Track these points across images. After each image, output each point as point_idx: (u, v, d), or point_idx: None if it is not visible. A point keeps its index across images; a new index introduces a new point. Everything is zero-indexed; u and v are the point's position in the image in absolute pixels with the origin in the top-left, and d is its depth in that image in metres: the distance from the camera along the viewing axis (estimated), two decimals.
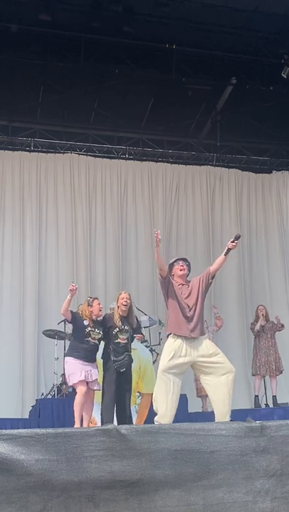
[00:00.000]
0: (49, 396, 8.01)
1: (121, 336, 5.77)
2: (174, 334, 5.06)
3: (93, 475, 3.07)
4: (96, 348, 5.91)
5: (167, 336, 5.21)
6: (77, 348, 5.89)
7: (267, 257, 11.33)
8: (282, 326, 8.63)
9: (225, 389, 5.01)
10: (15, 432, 3.12)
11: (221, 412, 5.00)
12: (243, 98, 9.68)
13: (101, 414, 5.80)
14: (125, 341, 5.80)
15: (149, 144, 10.97)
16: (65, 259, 10.27)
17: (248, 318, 9.89)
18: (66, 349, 6.36)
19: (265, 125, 10.59)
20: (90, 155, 10.82)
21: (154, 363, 7.49)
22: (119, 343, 5.77)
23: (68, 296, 5.88)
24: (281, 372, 8.42)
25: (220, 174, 11.51)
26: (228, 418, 4.97)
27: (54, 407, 7.16)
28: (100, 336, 5.91)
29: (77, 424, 5.70)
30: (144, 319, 8.30)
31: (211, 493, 3.20)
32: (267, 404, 8.55)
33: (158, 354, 8.53)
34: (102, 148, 10.84)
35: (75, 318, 6.00)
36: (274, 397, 8.35)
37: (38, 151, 10.53)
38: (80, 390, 5.77)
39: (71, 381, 5.85)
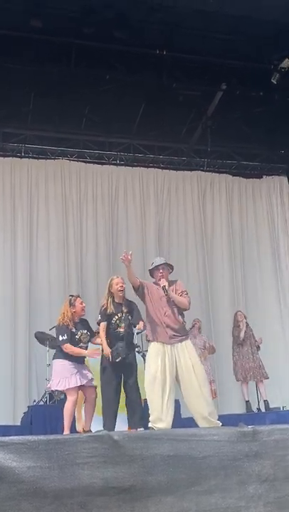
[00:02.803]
0: (41, 403, 7.96)
1: (121, 325, 5.54)
2: (154, 340, 5.10)
3: (85, 482, 3.05)
4: (86, 347, 5.84)
5: (147, 340, 5.23)
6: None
7: (258, 261, 11.36)
8: (258, 347, 8.61)
9: (197, 388, 4.99)
10: (6, 439, 3.11)
11: (196, 409, 4.96)
12: (233, 104, 9.72)
13: (103, 415, 5.61)
14: (124, 330, 5.56)
15: (140, 149, 10.99)
16: (57, 265, 10.24)
17: None
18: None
19: (256, 130, 10.64)
20: (81, 161, 10.82)
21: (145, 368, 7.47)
22: (118, 332, 5.53)
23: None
24: (265, 377, 8.43)
25: (211, 179, 11.55)
26: (207, 414, 4.94)
27: (46, 414, 7.12)
28: (88, 337, 5.79)
29: (66, 431, 5.63)
30: None
31: (204, 499, 3.19)
32: (259, 409, 8.55)
33: None
34: (93, 154, 10.84)
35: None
36: (265, 401, 8.37)
37: (29, 157, 10.50)
38: (72, 397, 5.62)
39: (62, 385, 5.63)
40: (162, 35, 8.29)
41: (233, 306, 10.58)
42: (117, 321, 5.54)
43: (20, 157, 10.46)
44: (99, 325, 5.74)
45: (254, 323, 9.39)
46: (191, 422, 6.77)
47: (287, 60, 8.64)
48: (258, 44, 8.56)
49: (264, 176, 11.87)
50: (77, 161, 10.78)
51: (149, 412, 5.01)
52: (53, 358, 5.96)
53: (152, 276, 5.44)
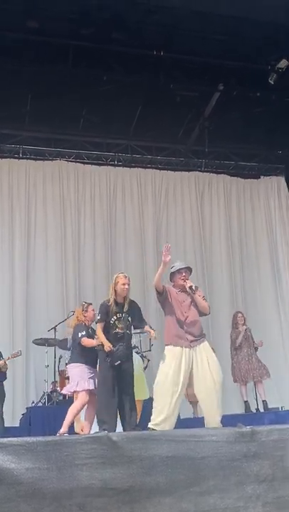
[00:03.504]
0: (40, 404, 7.97)
1: (119, 325, 5.43)
2: (173, 344, 5.10)
3: (84, 483, 3.05)
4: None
5: (166, 345, 5.23)
6: (82, 353, 5.89)
7: (256, 261, 11.37)
8: (256, 349, 8.60)
9: (213, 393, 5.03)
10: (5, 440, 3.11)
11: (212, 416, 5.01)
12: (231, 104, 9.73)
13: (97, 415, 5.53)
14: (123, 331, 5.43)
15: (137, 150, 10.99)
16: (54, 267, 10.23)
17: None
18: (59, 355, 6.33)
19: (253, 131, 10.64)
20: (78, 162, 10.82)
21: (145, 369, 7.47)
22: (117, 333, 5.40)
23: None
24: (265, 376, 8.43)
25: (209, 180, 11.56)
26: (219, 419, 4.98)
27: (45, 415, 7.13)
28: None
29: (64, 429, 5.65)
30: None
31: (203, 500, 3.19)
32: (257, 409, 8.55)
33: (149, 360, 8.52)
34: (91, 155, 10.84)
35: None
36: (264, 401, 8.37)
37: (27, 158, 10.51)
38: (83, 399, 5.76)
39: (81, 386, 5.77)
40: (160, 36, 8.29)
41: (231, 307, 10.59)
42: (116, 321, 5.44)
43: (18, 158, 10.46)
44: (97, 323, 5.72)
45: (253, 323, 9.39)
46: (189, 423, 6.79)
47: (284, 60, 8.65)
48: (255, 45, 8.56)
49: (262, 177, 11.89)
50: (75, 161, 10.79)
51: (153, 411, 5.01)
52: (69, 362, 6.16)
53: (172, 280, 5.42)
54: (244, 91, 9.35)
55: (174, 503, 3.16)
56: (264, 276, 11.30)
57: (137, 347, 8.22)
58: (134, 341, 8.25)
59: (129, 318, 5.55)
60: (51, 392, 7.79)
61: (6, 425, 7.81)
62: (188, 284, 5.22)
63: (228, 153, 11.43)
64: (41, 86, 9.17)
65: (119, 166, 11.03)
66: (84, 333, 5.91)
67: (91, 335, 5.93)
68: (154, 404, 5.04)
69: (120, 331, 5.42)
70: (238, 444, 3.38)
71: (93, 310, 6.03)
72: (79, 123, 10.30)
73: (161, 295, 5.25)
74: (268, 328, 10.48)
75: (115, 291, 5.53)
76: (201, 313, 5.37)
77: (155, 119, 10.17)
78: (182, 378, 5.00)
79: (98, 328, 5.57)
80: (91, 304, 6.21)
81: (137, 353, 7.78)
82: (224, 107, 9.71)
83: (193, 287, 5.22)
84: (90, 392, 5.79)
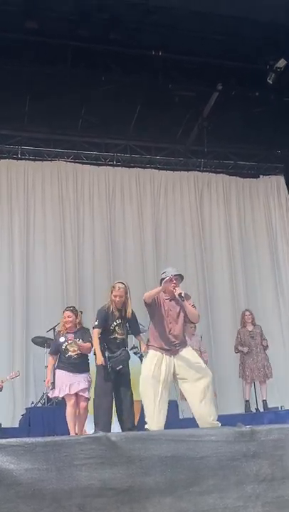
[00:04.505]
0: (39, 404, 7.96)
1: (119, 331, 5.48)
2: (154, 349, 5.12)
3: (83, 483, 3.05)
4: (80, 356, 5.95)
5: (147, 346, 5.25)
6: (62, 361, 6.09)
7: (257, 261, 11.37)
8: (265, 347, 8.59)
9: (201, 392, 5.03)
10: (4, 441, 3.10)
11: (201, 415, 5.00)
12: (229, 104, 9.72)
13: (94, 417, 5.59)
14: (122, 337, 5.51)
15: (136, 150, 10.99)
16: (54, 266, 10.23)
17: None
18: None
19: (252, 131, 10.64)
20: (77, 162, 10.82)
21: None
22: (116, 338, 5.48)
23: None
24: (269, 377, 8.43)
25: (208, 179, 11.56)
26: (211, 419, 4.98)
27: (44, 416, 7.13)
28: (76, 345, 6.01)
29: (72, 434, 5.70)
30: None
31: (202, 500, 3.19)
32: (257, 409, 8.56)
33: None
34: (89, 155, 10.84)
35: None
36: (264, 401, 8.37)
37: (26, 159, 10.50)
38: (69, 402, 5.91)
39: (63, 393, 5.96)
40: (158, 37, 8.29)
41: (232, 307, 10.60)
42: (116, 327, 5.48)
43: (17, 159, 10.46)
44: (94, 329, 5.71)
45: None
46: (189, 423, 6.78)
47: (282, 59, 8.65)
48: (254, 45, 8.56)
49: (261, 176, 11.89)
50: (74, 162, 10.79)
51: (145, 413, 5.04)
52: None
53: (161, 283, 5.42)
54: (243, 91, 9.35)
55: (174, 502, 3.16)
56: (264, 275, 11.30)
57: (136, 347, 8.22)
58: (132, 342, 8.27)
59: (128, 325, 5.60)
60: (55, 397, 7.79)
61: (5, 426, 7.83)
62: (177, 291, 5.17)
63: (227, 153, 11.44)
64: (40, 86, 9.18)
65: (118, 166, 11.03)
66: (63, 339, 6.11)
67: (67, 343, 6.07)
68: (145, 410, 5.07)
69: (120, 336, 5.48)
70: (237, 444, 3.38)
71: (69, 316, 6.14)
72: (78, 123, 10.30)
73: (150, 306, 5.26)
74: (268, 327, 10.48)
75: (113, 299, 5.60)
76: (190, 322, 5.37)
77: (154, 119, 10.17)
78: (162, 379, 5.02)
79: (94, 336, 5.56)
80: (66, 309, 6.35)
81: (135, 353, 7.79)
82: (223, 106, 9.70)
83: (183, 294, 5.17)
84: (75, 395, 5.92)
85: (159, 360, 5.06)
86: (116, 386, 5.45)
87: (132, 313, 5.69)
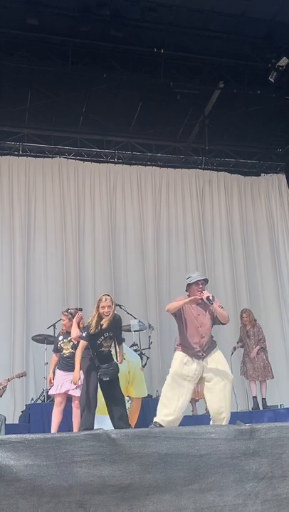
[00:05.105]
0: (39, 401, 7.97)
1: (105, 344, 5.49)
2: (182, 351, 5.20)
3: (83, 480, 3.05)
4: (73, 355, 5.99)
5: (176, 348, 5.31)
6: (59, 359, 6.25)
7: (258, 258, 11.36)
8: (262, 348, 8.57)
9: (221, 392, 5.10)
10: (4, 437, 3.11)
11: (217, 411, 5.06)
12: (231, 102, 9.72)
13: (80, 402, 5.58)
14: (108, 349, 5.53)
15: (137, 147, 10.98)
16: (54, 264, 10.22)
17: None
18: None
19: (253, 129, 10.64)
20: (78, 159, 10.80)
21: (143, 367, 7.47)
22: (102, 351, 5.49)
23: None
24: (268, 378, 8.42)
25: (209, 177, 11.54)
26: (224, 418, 5.03)
27: (44, 412, 7.11)
28: (71, 343, 6.11)
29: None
30: (133, 323, 8.28)
31: (202, 497, 3.20)
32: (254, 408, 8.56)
33: (148, 358, 8.53)
34: (90, 152, 10.83)
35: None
36: (263, 399, 8.37)
37: (27, 156, 10.49)
38: (56, 401, 6.09)
39: (51, 391, 6.22)
40: (159, 34, 8.28)
41: (233, 304, 10.58)
42: (102, 341, 5.48)
43: (18, 155, 10.44)
44: (79, 339, 5.66)
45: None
46: (189, 421, 6.79)
47: (284, 58, 8.64)
48: (256, 43, 8.57)
49: (262, 174, 11.87)
50: (75, 159, 10.77)
51: (160, 407, 5.08)
52: None
53: (187, 290, 5.44)
54: (244, 89, 9.34)
55: (173, 500, 3.16)
56: (266, 273, 11.28)
57: (136, 344, 8.23)
58: (133, 339, 8.27)
59: (112, 334, 5.56)
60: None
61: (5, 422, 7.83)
62: (205, 295, 5.22)
63: (229, 151, 11.42)
64: (41, 83, 9.18)
65: (119, 163, 11.02)
66: (60, 338, 6.36)
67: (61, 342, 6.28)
68: (161, 402, 5.09)
69: (106, 349, 5.50)
70: (237, 442, 3.38)
71: (63, 320, 6.37)
72: (79, 120, 10.29)
73: (176, 314, 5.32)
74: (269, 326, 10.49)
75: (98, 313, 5.50)
76: (220, 323, 5.42)
77: (155, 117, 10.17)
78: (190, 380, 5.09)
79: (79, 348, 5.53)
80: (64, 312, 6.53)
81: (135, 351, 7.79)
82: (224, 104, 9.70)
83: (211, 297, 5.23)
84: (66, 395, 6.04)
85: (188, 360, 5.15)
86: (105, 389, 5.46)
87: (116, 321, 5.61)
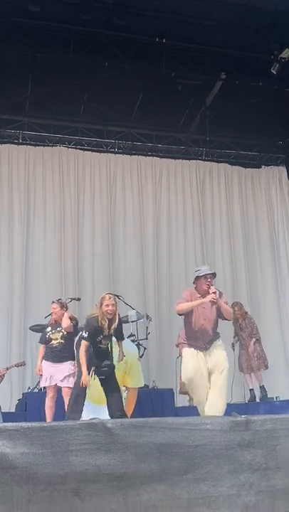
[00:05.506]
0: (35, 390, 7.99)
1: (104, 342, 5.47)
2: (188, 346, 5.33)
3: (78, 469, 3.07)
4: (62, 345, 6.02)
5: (177, 346, 5.40)
6: (46, 351, 6.37)
7: (258, 251, 11.37)
8: (257, 340, 8.61)
9: (218, 385, 5.24)
10: (0, 425, 3.12)
11: (213, 404, 5.11)
12: (232, 93, 9.68)
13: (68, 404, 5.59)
14: (106, 346, 5.49)
15: (138, 137, 10.94)
16: (53, 253, 10.22)
17: None
18: None
19: (255, 120, 10.59)
20: (78, 148, 10.76)
21: (140, 357, 7.49)
22: (100, 347, 5.48)
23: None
24: (262, 368, 8.45)
25: (209, 168, 11.51)
26: (220, 410, 5.08)
27: (41, 401, 7.13)
28: (60, 333, 6.22)
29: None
30: (131, 313, 8.29)
31: (196, 487, 3.22)
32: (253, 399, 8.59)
33: (145, 349, 8.55)
34: (91, 142, 10.79)
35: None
36: (262, 386, 8.40)
37: (27, 144, 10.44)
38: (48, 393, 6.21)
39: (42, 384, 6.38)
40: (162, 23, 8.23)
41: (232, 295, 10.58)
42: (102, 340, 5.47)
43: (18, 144, 10.40)
44: (80, 338, 5.65)
45: (253, 312, 9.39)
46: (184, 411, 6.83)
47: (287, 49, 8.60)
48: (258, 34, 8.50)
49: (263, 166, 11.85)
50: (75, 148, 10.73)
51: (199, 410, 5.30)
52: None
53: (194, 282, 5.47)
54: (246, 80, 9.30)
55: (168, 489, 3.19)
56: (265, 265, 11.29)
57: (134, 335, 8.24)
58: (130, 329, 8.29)
59: (112, 336, 5.56)
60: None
61: (2, 410, 7.86)
62: (212, 290, 5.26)
63: (229, 143, 11.38)
64: (42, 71, 9.12)
65: (120, 153, 10.98)
66: (49, 329, 6.46)
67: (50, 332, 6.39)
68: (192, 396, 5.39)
69: (104, 346, 5.48)
70: (232, 433, 3.40)
71: (54, 308, 6.47)
72: (79, 109, 10.23)
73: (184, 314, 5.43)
74: (268, 317, 10.52)
75: (102, 311, 5.44)
76: (224, 318, 5.47)
77: (156, 107, 10.12)
78: (205, 373, 5.23)
79: (82, 348, 5.49)
80: (54, 301, 6.63)
81: (133, 341, 7.81)
82: (226, 95, 9.66)
83: (218, 294, 5.30)
84: (56, 387, 6.14)
85: (195, 356, 5.26)
86: (102, 383, 5.47)
87: (119, 323, 5.58)
